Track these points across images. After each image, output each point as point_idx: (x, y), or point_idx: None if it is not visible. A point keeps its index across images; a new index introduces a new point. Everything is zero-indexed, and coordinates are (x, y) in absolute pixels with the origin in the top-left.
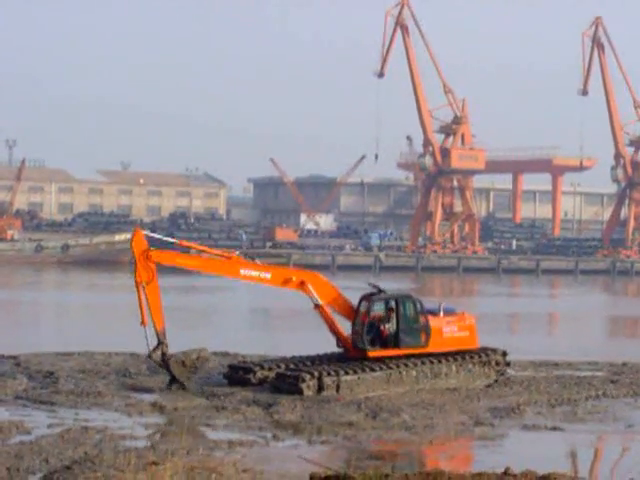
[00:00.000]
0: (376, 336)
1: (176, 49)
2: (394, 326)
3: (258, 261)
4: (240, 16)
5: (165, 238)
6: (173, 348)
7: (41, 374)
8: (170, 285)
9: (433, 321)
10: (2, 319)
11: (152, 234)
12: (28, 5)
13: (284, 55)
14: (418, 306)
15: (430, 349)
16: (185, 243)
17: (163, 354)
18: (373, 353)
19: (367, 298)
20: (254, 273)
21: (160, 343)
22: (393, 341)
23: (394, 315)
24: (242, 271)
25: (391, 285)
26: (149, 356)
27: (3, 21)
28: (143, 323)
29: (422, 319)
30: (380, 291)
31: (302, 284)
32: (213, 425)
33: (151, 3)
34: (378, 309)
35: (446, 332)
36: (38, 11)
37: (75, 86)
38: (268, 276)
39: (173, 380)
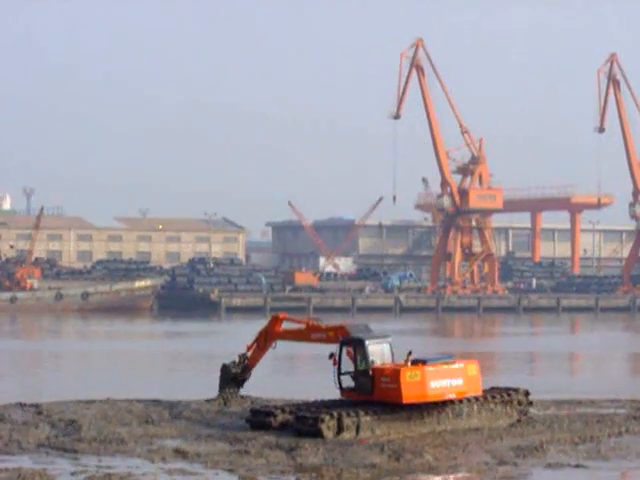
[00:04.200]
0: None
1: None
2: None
3: (325, 323)
4: (253, 62)
5: (293, 318)
6: (196, 394)
7: (63, 422)
8: (193, 330)
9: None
10: (23, 368)
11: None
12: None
13: (300, 94)
14: (365, 352)
15: (374, 397)
16: (301, 320)
17: (236, 376)
18: (343, 395)
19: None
20: (318, 335)
21: (243, 371)
22: (350, 386)
23: (351, 358)
24: (311, 335)
25: (411, 326)
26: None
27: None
28: (248, 349)
29: (368, 366)
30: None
31: (336, 338)
32: (236, 470)
33: (161, 20)
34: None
35: (382, 382)
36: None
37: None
38: (324, 336)
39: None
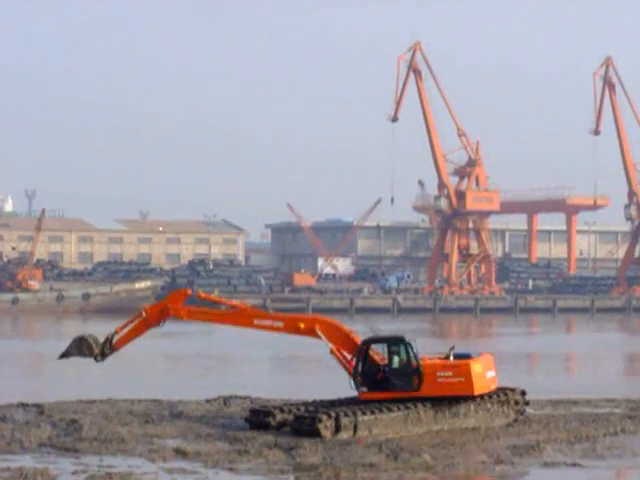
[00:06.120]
0: (371, 379)
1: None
2: (386, 369)
3: (271, 311)
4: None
5: (212, 298)
6: (196, 394)
7: (65, 422)
8: (193, 330)
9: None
10: (25, 368)
11: (208, 296)
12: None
13: (299, 98)
14: (409, 349)
15: (422, 393)
16: (221, 300)
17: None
18: (365, 396)
19: (364, 342)
20: (267, 322)
21: (107, 342)
22: (384, 384)
23: (387, 358)
24: (255, 321)
25: (408, 327)
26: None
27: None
28: (116, 331)
29: (414, 362)
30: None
31: (311, 330)
32: (236, 469)
33: (160, 25)
34: (374, 352)
35: (439, 377)
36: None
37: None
38: (280, 325)
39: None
